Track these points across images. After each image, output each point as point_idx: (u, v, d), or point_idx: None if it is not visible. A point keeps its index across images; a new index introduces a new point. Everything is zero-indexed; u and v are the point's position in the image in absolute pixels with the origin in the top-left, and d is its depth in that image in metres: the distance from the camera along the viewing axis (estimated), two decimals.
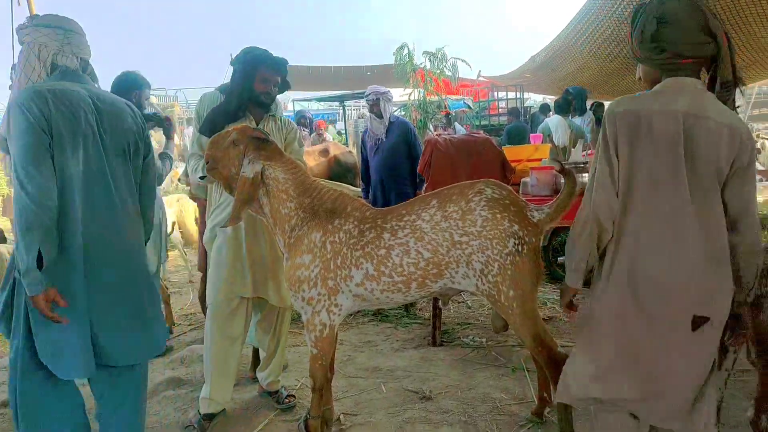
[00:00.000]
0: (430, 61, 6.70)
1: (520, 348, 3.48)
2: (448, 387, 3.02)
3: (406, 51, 6.66)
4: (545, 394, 2.61)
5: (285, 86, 2.76)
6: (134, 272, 2.06)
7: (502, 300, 2.22)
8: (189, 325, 4.39)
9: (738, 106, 1.72)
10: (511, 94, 10.43)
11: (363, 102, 15.23)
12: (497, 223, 2.21)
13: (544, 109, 8.61)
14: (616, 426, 1.83)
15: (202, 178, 2.56)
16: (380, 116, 4.47)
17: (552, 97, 13.40)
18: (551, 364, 2.24)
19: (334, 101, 10.46)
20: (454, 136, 4.24)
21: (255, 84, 2.59)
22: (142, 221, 2.17)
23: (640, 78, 1.85)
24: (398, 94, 6.99)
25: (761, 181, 7.10)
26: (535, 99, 13.56)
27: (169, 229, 5.35)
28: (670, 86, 1.68)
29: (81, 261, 1.89)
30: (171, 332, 4.18)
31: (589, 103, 6.69)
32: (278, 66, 2.64)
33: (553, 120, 6.25)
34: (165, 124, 3.53)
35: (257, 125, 2.66)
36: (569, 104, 6.69)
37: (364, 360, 3.46)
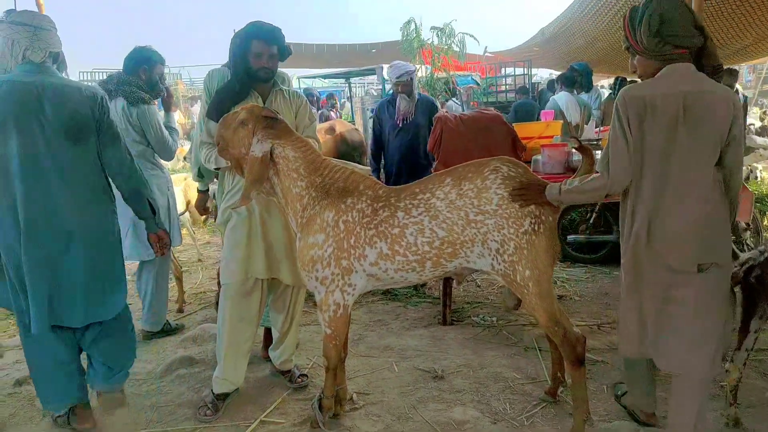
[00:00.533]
0: (438, 36, 6.57)
1: (532, 327, 3.47)
2: (459, 366, 3.01)
3: (413, 26, 6.53)
4: (559, 374, 2.60)
5: (284, 54, 2.62)
6: (85, 243, 2.32)
7: (518, 280, 2.19)
8: (199, 304, 4.39)
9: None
10: (519, 70, 10.27)
11: (369, 79, 15.11)
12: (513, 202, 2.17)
13: (551, 85, 8.47)
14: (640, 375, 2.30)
15: (217, 169, 2.53)
16: (411, 95, 4.36)
17: (558, 72, 13.24)
18: (566, 343, 2.23)
19: (339, 78, 10.35)
20: (465, 113, 4.17)
21: (251, 61, 2.52)
22: (109, 194, 2.45)
23: (634, 71, 2.15)
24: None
25: None
26: (542, 75, 13.36)
27: (181, 208, 5.34)
28: (670, 72, 1.99)
29: (19, 235, 2.22)
30: (182, 311, 4.19)
31: (604, 80, 6.54)
32: (270, 37, 2.53)
33: (562, 97, 6.12)
34: (162, 95, 3.52)
35: (264, 102, 2.61)
36: (574, 80, 6.60)
37: (375, 339, 3.46)
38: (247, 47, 2.51)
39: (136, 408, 2.72)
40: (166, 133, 3.43)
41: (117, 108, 3.26)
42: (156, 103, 3.60)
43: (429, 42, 6.54)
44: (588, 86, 6.48)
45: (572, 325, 2.24)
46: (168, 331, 3.64)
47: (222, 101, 2.56)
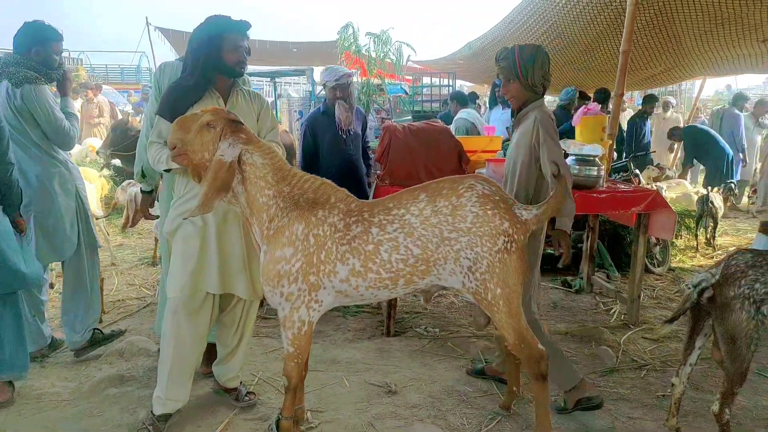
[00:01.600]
0: (375, 42, 6.55)
1: (476, 339, 3.53)
2: (411, 380, 2.99)
3: (351, 31, 6.47)
4: (514, 387, 2.65)
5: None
6: None
7: (488, 298, 2.20)
8: (119, 312, 4.06)
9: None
10: (444, 81, 10.50)
11: (295, 79, 14.78)
12: (488, 220, 2.18)
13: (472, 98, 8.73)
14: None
15: (167, 171, 2.33)
16: (349, 101, 3.97)
17: (479, 86, 13.69)
18: (531, 360, 2.27)
19: (264, 77, 10.03)
20: (413, 123, 4.17)
21: (224, 54, 2.37)
22: None
23: (506, 94, 2.74)
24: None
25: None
26: (465, 86, 13.77)
27: (97, 211, 4.89)
28: (542, 102, 2.68)
29: None
30: (101, 321, 3.84)
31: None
32: (245, 29, 2.42)
33: (468, 113, 6.26)
34: (58, 77, 3.11)
35: (225, 102, 2.46)
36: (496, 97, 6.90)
37: (319, 352, 3.36)
38: (219, 42, 2.36)
39: None
40: (60, 116, 3.03)
41: (1, 91, 2.91)
42: (53, 87, 3.21)
43: (365, 48, 6.50)
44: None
45: (537, 342, 2.28)
46: (100, 340, 3.25)
47: (178, 99, 2.38)
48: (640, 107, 8.63)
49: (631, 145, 7.79)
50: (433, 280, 2.25)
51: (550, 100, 10.68)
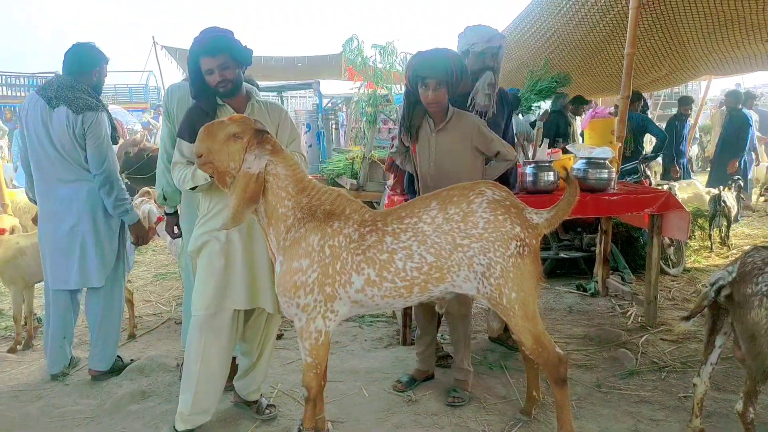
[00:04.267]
0: (381, 54, 6.59)
1: (494, 345, 3.52)
2: (429, 388, 2.99)
3: (355, 43, 6.51)
4: (534, 393, 2.65)
5: (242, 59, 2.42)
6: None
7: (503, 302, 2.21)
8: (137, 329, 4.08)
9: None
10: None
11: (301, 93, 14.88)
12: (499, 225, 2.20)
13: None
14: None
15: (193, 188, 2.37)
16: (495, 81, 2.95)
17: None
18: (549, 364, 2.27)
19: (272, 92, 10.11)
20: None
21: (205, 77, 2.39)
22: None
23: (432, 99, 2.66)
24: (348, 87, 6.84)
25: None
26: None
27: None
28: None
29: None
30: (134, 336, 3.91)
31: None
32: (214, 48, 2.34)
33: None
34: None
35: None
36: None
37: (337, 362, 3.37)
38: (197, 65, 2.38)
39: None
40: (111, 146, 3.12)
41: (60, 117, 2.96)
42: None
43: (372, 60, 6.54)
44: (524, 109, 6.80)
45: (555, 346, 2.28)
46: (119, 369, 3.24)
47: (193, 122, 2.40)
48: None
49: (672, 148, 7.83)
50: (448, 287, 2.27)
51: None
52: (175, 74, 14.00)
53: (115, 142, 3.15)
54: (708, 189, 6.81)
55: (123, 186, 3.13)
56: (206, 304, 2.41)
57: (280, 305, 2.45)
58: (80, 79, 3.05)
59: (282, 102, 10.13)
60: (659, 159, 7.80)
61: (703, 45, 6.06)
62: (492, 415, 2.71)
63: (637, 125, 6.38)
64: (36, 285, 3.72)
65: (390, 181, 4.07)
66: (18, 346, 3.64)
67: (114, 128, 3.16)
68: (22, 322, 3.70)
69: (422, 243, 2.21)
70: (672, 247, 5.19)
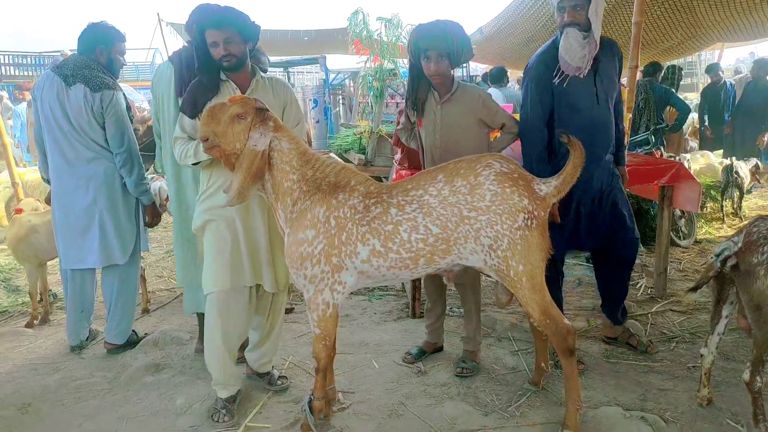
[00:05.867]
0: (386, 27, 6.50)
1: (502, 316, 3.54)
2: (439, 359, 3.03)
3: (361, 17, 6.43)
4: (543, 364, 2.67)
5: (249, 35, 2.41)
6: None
7: (511, 275, 2.22)
8: (150, 304, 4.15)
9: None
10: None
11: (309, 68, 14.79)
12: (506, 198, 2.19)
13: (486, 78, 8.71)
14: None
15: (195, 164, 2.38)
16: (587, 29, 2.57)
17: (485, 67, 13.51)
18: (557, 335, 2.27)
19: (278, 67, 10.05)
20: None
21: (210, 50, 2.37)
22: None
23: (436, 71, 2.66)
24: (354, 61, 6.78)
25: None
26: (480, 68, 13.63)
27: None
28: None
29: None
30: (147, 311, 3.99)
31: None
32: (220, 21, 2.32)
33: (491, 93, 6.32)
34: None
35: (244, 93, 2.46)
36: (503, 74, 6.91)
37: (347, 335, 3.41)
38: (202, 36, 2.36)
39: (105, 421, 2.54)
40: (129, 124, 3.15)
41: (77, 95, 2.97)
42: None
43: (377, 33, 6.46)
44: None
45: (563, 317, 2.29)
46: (134, 342, 3.32)
47: (195, 97, 2.41)
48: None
49: (703, 118, 7.84)
50: (455, 259, 2.27)
51: None
52: None
53: (131, 121, 3.17)
54: (721, 160, 6.72)
55: (143, 165, 3.16)
56: (217, 281, 2.43)
57: (279, 283, 2.49)
58: (94, 57, 3.06)
59: (288, 78, 10.08)
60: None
61: (714, 12, 5.93)
62: (500, 385, 2.74)
63: (659, 97, 6.29)
64: (51, 262, 3.78)
65: (398, 156, 4.05)
66: (35, 321, 3.72)
67: (128, 107, 3.17)
68: (38, 298, 3.77)
69: (427, 215, 2.21)
70: (683, 219, 5.15)
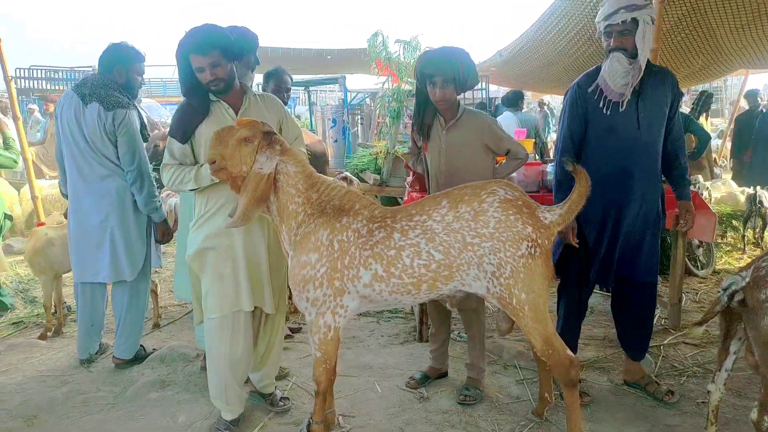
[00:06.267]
0: (405, 49, 6.57)
1: (510, 343, 3.50)
2: (443, 386, 3.00)
3: (380, 38, 6.51)
4: (546, 394, 2.63)
5: (232, 54, 2.37)
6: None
7: (513, 303, 2.20)
8: (161, 319, 4.19)
9: None
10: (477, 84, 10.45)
11: (330, 88, 14.98)
12: (510, 225, 2.18)
13: (505, 101, 8.74)
14: None
15: (193, 189, 2.41)
16: (634, 55, 2.52)
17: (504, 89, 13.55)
18: (560, 366, 2.24)
19: (299, 86, 10.19)
20: None
21: (197, 74, 2.34)
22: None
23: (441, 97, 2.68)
24: (367, 82, 6.86)
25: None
26: (502, 91, 13.66)
27: None
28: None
29: None
30: (158, 325, 4.03)
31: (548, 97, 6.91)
32: (203, 47, 2.28)
33: (504, 117, 6.34)
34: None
35: (237, 112, 2.46)
36: (519, 98, 6.91)
37: (352, 357, 3.40)
38: (186, 62, 2.34)
39: None
40: (142, 145, 3.19)
41: (92, 113, 3.04)
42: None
43: (396, 55, 6.53)
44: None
45: (566, 348, 2.26)
46: (142, 357, 3.34)
47: (185, 121, 2.41)
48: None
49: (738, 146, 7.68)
50: (457, 285, 2.27)
51: None
52: None
53: (145, 139, 3.23)
54: (742, 189, 6.59)
55: (154, 183, 3.20)
56: (218, 306, 2.44)
57: (276, 304, 2.50)
58: (112, 77, 3.14)
59: (309, 96, 10.20)
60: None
61: (736, 38, 5.87)
62: (503, 414, 2.70)
63: (531, 125, 6.27)
64: (65, 275, 3.85)
65: (409, 178, 4.06)
66: (48, 333, 3.79)
67: (144, 126, 3.23)
68: (52, 310, 3.84)
69: (431, 240, 2.21)
70: (701, 248, 5.05)
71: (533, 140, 4.53)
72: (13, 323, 4.11)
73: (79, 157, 3.09)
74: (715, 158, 8.65)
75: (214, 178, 2.30)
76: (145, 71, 3.31)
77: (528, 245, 2.18)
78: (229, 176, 2.23)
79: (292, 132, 2.59)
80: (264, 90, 3.49)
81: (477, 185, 2.32)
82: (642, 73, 2.56)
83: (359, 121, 9.81)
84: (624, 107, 2.60)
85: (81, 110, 3.05)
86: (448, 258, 2.21)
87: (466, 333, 3.03)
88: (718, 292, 2.21)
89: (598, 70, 2.68)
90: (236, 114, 2.46)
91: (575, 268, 2.77)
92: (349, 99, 8.82)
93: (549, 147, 6.76)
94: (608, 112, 2.62)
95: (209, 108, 2.43)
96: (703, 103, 6.91)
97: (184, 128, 2.38)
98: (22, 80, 13.37)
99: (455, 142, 2.76)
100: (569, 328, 2.87)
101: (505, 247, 2.17)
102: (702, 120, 7.19)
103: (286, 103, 3.65)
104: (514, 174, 3.77)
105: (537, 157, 6.14)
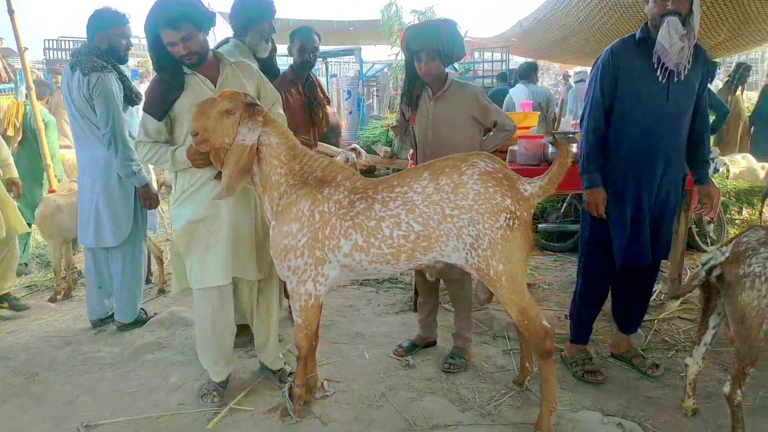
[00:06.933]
0: (419, 19, 6.51)
1: (500, 315, 3.52)
2: (430, 354, 3.05)
3: (394, 8, 6.46)
4: (527, 364, 2.66)
5: (205, 25, 2.29)
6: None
7: (491, 274, 2.21)
8: (170, 284, 4.32)
9: None
10: (497, 55, 10.28)
11: (346, 58, 14.88)
12: (489, 197, 2.19)
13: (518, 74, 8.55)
14: None
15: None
16: (688, 28, 2.38)
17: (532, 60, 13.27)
18: (536, 337, 2.26)
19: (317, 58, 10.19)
20: None
21: (169, 49, 2.27)
22: None
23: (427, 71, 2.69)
24: (386, 53, 6.82)
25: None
26: (518, 62, 13.41)
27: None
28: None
29: None
30: (163, 291, 4.15)
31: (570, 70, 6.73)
32: (174, 20, 2.19)
33: (516, 90, 6.22)
34: (124, 59, 3.29)
35: (215, 83, 2.42)
36: (532, 70, 6.73)
37: (346, 325, 3.47)
38: (157, 36, 2.26)
39: (102, 394, 2.69)
40: (118, 119, 3.11)
41: (75, 80, 3.09)
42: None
43: (411, 24, 6.47)
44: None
45: (542, 319, 2.27)
46: (143, 321, 3.46)
47: (160, 96, 2.36)
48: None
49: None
50: (436, 256, 2.29)
51: None
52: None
53: (132, 103, 3.24)
54: (763, 164, 6.40)
55: (131, 147, 3.09)
56: (207, 277, 2.48)
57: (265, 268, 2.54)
58: (95, 44, 3.16)
59: (327, 68, 10.18)
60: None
61: (765, 6, 5.64)
62: (485, 383, 2.74)
63: (543, 98, 6.10)
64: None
65: (411, 151, 4.06)
66: (58, 296, 3.95)
67: (129, 89, 3.21)
68: (62, 275, 4.00)
69: (410, 212, 2.23)
70: (712, 224, 4.95)
71: (538, 113, 4.46)
72: (26, 286, 4.29)
73: (75, 126, 3.19)
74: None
75: (189, 162, 2.32)
76: (131, 32, 3.29)
77: (506, 217, 2.19)
78: (212, 148, 2.25)
79: (270, 97, 2.57)
80: (289, 51, 3.37)
81: (458, 157, 2.31)
82: (695, 41, 2.41)
83: (375, 93, 9.77)
84: (680, 78, 2.45)
85: (71, 79, 3.12)
86: (427, 229, 2.23)
87: (452, 303, 3.05)
88: (697, 267, 2.19)
89: (632, 37, 2.55)
90: (214, 85, 2.42)
91: (604, 251, 2.65)
92: (365, 71, 8.78)
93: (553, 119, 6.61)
94: (637, 77, 2.49)
95: (184, 82, 2.37)
96: (740, 75, 6.63)
97: (161, 105, 2.34)
98: (51, 51, 13.55)
99: (442, 114, 2.76)
100: (588, 316, 2.86)
101: (483, 219, 2.18)
102: (738, 93, 6.92)
103: (312, 66, 3.50)
104: (515, 147, 3.76)
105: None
